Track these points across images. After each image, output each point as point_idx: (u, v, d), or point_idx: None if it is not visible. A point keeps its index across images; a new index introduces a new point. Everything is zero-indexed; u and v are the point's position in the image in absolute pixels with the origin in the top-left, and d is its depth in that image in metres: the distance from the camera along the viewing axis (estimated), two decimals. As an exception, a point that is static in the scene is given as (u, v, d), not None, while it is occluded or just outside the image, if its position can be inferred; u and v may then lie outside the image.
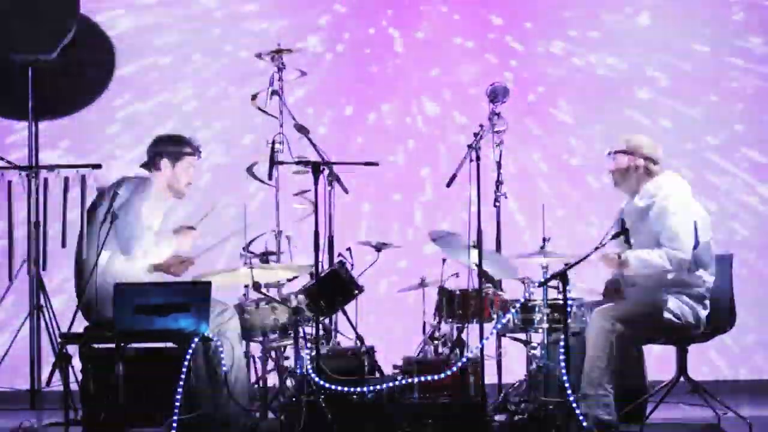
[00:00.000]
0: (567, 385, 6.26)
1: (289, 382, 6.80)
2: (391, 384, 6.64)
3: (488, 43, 9.51)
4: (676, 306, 6.68)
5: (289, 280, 7.17)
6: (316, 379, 6.39)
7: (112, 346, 6.20)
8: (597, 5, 9.52)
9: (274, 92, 7.46)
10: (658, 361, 7.15)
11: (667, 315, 6.67)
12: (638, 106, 9.41)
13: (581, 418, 6.31)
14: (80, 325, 6.66)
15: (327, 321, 7.08)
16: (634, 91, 9.43)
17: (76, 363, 6.68)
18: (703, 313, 6.75)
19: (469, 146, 6.66)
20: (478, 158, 6.62)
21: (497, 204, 7.12)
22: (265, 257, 6.93)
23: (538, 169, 9.43)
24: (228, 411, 6.47)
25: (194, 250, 6.91)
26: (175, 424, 6.11)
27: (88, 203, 6.76)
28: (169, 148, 6.88)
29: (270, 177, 7.30)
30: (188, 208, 8.09)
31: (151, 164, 6.88)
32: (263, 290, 6.72)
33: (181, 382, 6.13)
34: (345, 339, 7.33)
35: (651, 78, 9.44)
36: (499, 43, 9.50)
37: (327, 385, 6.43)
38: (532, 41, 9.50)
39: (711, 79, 9.45)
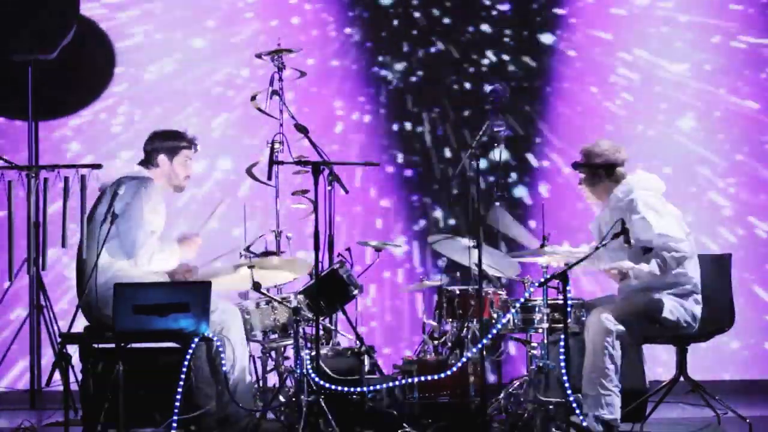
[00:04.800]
0: (567, 385, 6.26)
1: (289, 382, 6.80)
2: (391, 384, 6.64)
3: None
4: (671, 305, 6.65)
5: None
6: (316, 379, 6.39)
7: (112, 346, 6.20)
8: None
9: (274, 92, 7.46)
10: (658, 361, 7.17)
11: (663, 314, 6.64)
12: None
13: (581, 418, 6.30)
14: (80, 325, 6.66)
15: (327, 321, 7.08)
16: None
17: (76, 363, 6.69)
18: (697, 309, 6.69)
19: (470, 147, 6.66)
20: (478, 158, 6.62)
21: (497, 203, 7.12)
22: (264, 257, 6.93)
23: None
24: (229, 411, 6.47)
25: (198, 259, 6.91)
26: (175, 424, 6.11)
27: (88, 203, 6.75)
28: (165, 143, 6.87)
29: (269, 177, 7.29)
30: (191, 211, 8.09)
31: (148, 161, 6.88)
32: (263, 290, 6.72)
33: (181, 382, 6.13)
34: (345, 339, 7.33)
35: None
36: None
37: (327, 385, 6.43)
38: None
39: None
